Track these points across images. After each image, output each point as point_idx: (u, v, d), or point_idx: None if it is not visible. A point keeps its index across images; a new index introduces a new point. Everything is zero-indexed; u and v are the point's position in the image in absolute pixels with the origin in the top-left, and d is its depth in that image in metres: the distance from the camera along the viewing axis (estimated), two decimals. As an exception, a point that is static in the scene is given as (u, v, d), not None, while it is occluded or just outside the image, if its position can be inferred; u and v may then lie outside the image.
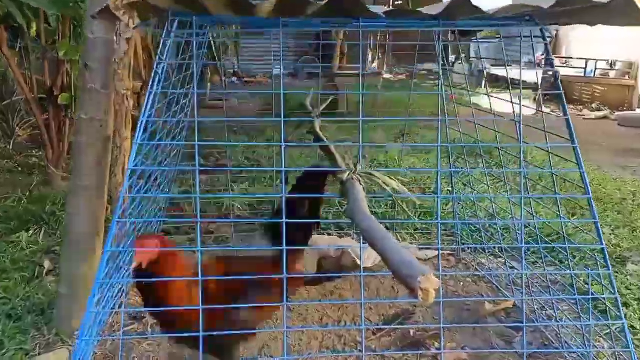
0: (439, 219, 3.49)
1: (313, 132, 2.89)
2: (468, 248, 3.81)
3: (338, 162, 2.08)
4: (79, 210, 2.58)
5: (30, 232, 3.77)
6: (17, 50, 5.57)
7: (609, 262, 2.19)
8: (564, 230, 2.68)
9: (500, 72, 10.17)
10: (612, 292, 2.18)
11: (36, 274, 3.23)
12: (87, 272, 2.64)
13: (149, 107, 1.94)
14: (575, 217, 4.20)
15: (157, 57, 1.81)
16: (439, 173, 3.34)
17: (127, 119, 2.49)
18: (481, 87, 9.59)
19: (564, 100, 2.29)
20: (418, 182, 4.83)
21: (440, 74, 2.35)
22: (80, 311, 2.63)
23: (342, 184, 1.86)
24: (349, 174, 1.84)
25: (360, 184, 1.82)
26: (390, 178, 1.89)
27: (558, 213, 2.55)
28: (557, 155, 2.51)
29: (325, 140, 2.69)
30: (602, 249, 2.18)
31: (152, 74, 1.82)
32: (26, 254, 3.47)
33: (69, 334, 2.64)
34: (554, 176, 2.49)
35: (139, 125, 1.90)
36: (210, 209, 4.34)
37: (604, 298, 2.62)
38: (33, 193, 4.53)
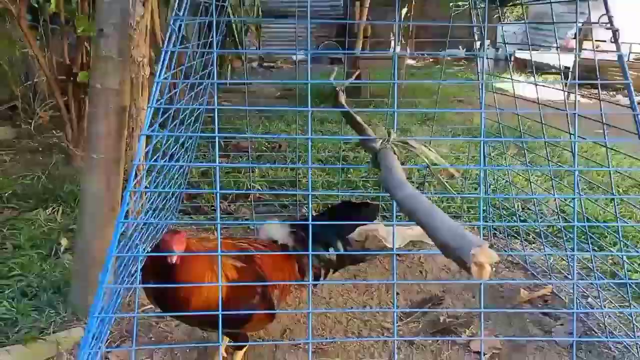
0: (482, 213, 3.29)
1: (339, 104, 2.73)
2: (500, 233, 3.62)
3: (368, 133, 1.91)
4: (94, 184, 2.46)
5: (48, 210, 3.70)
6: (37, 30, 5.51)
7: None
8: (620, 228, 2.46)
9: (528, 56, 9.83)
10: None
11: (53, 252, 3.15)
12: (103, 248, 2.53)
13: (164, 68, 1.80)
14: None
15: (174, 12, 1.66)
16: (482, 170, 3.14)
17: (144, 88, 2.35)
18: (508, 72, 9.29)
19: (632, 90, 2.07)
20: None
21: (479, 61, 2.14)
22: (94, 288, 2.53)
23: (374, 154, 1.69)
24: (382, 142, 1.68)
25: (395, 154, 1.65)
26: (428, 148, 1.71)
27: (615, 214, 2.37)
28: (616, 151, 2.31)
29: (351, 112, 2.52)
30: None
31: (168, 32, 1.68)
32: (43, 231, 3.39)
33: (85, 312, 2.53)
34: (611, 173, 2.32)
35: (154, 88, 1.76)
36: (230, 188, 4.22)
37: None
38: (52, 172, 4.47)
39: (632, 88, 2.07)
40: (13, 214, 3.64)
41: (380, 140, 1.68)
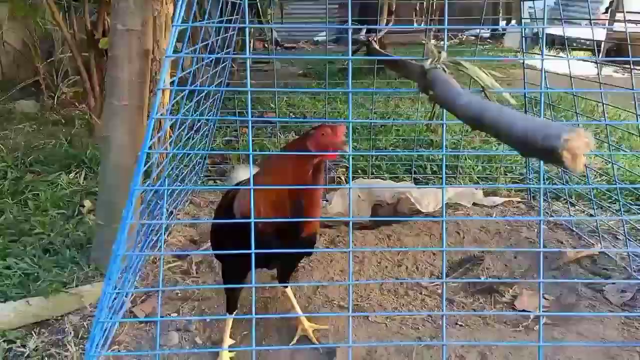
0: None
1: (373, 50, 2.57)
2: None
3: (410, 63, 1.75)
4: (117, 133, 2.35)
5: (71, 175, 3.62)
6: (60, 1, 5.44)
7: None
8: None
9: (557, 32, 9.46)
10: None
11: (76, 213, 3.07)
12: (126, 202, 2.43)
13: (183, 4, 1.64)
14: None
15: None
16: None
17: (167, 29, 2.21)
18: (536, 48, 8.98)
19: None
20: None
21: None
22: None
23: (422, 77, 1.52)
24: (432, 62, 1.51)
25: (446, 74, 1.49)
26: (482, 71, 1.54)
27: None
28: None
29: (388, 54, 2.36)
30: None
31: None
32: (66, 193, 3.32)
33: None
34: None
35: (178, 6, 1.59)
36: (255, 157, 4.09)
37: None
38: (74, 142, 4.39)
39: None
40: (35, 179, 3.58)
41: (430, 60, 1.51)
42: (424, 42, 3.84)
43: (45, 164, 3.80)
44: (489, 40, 13.34)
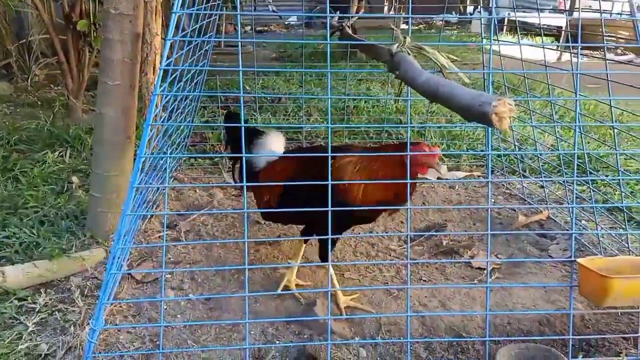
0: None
1: (347, 35, 2.81)
2: (498, 170, 3.76)
3: (379, 47, 2.00)
4: (110, 110, 2.53)
5: (56, 153, 3.76)
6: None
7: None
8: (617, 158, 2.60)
9: (520, 18, 9.88)
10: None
11: (65, 189, 3.22)
12: (119, 175, 2.62)
13: (172, 29, 1.83)
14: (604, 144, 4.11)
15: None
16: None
17: (157, 13, 2.39)
18: (499, 35, 9.36)
19: None
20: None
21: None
22: (113, 213, 2.63)
23: (389, 59, 1.78)
24: (398, 46, 1.76)
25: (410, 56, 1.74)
26: (441, 54, 1.80)
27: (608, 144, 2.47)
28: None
29: (360, 39, 2.61)
30: None
31: None
32: (54, 170, 3.46)
33: (104, 235, 2.64)
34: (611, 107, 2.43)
35: (171, 21, 1.80)
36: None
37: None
38: (55, 122, 4.49)
39: None
40: (21, 157, 3.70)
41: (397, 44, 1.77)
42: (392, 27, 4.10)
43: (30, 144, 3.91)
44: (457, 25, 13.71)
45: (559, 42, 9.57)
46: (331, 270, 2.19)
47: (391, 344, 2.04)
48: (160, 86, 1.89)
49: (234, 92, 5.30)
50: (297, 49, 7.61)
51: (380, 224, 3.02)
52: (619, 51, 10.10)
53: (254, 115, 4.61)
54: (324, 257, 2.25)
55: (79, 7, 4.58)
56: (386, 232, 2.93)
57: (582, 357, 1.94)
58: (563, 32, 9.62)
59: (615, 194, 3.25)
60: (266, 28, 13.28)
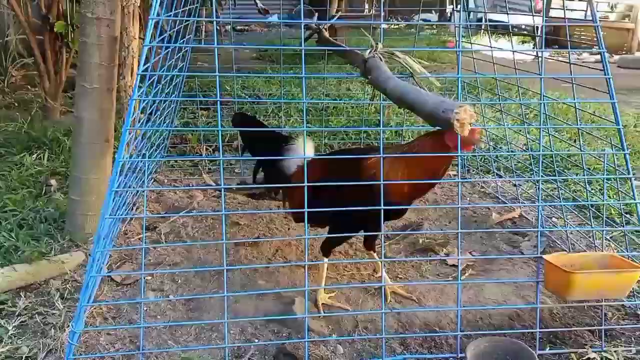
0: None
1: (324, 39, 2.86)
2: (473, 169, 3.85)
3: (354, 52, 2.06)
4: (88, 113, 2.54)
5: (34, 156, 3.74)
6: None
7: (630, 169, 2.19)
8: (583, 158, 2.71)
9: (498, 19, 10.06)
10: (632, 197, 2.19)
11: (44, 192, 3.22)
12: (98, 178, 2.64)
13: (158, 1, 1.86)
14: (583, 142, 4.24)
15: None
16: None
17: (134, 17, 2.41)
18: (480, 35, 9.53)
19: (606, 58, 2.21)
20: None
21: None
22: (92, 216, 2.64)
23: (363, 65, 1.84)
24: (370, 52, 1.82)
25: (382, 62, 1.80)
26: (412, 59, 1.86)
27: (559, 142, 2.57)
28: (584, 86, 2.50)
29: (338, 44, 2.66)
30: (624, 154, 2.18)
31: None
32: (31, 173, 3.45)
33: (83, 238, 2.65)
34: (577, 109, 2.51)
35: (149, 25, 1.83)
36: (214, 139, 4.31)
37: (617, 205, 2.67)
38: (33, 124, 4.46)
39: (606, 56, 2.21)
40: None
41: (369, 51, 1.82)
42: (374, 27, 4.17)
43: (7, 146, 3.89)
44: (436, 25, 13.86)
45: (535, 42, 9.77)
46: (325, 267, 2.31)
47: (367, 340, 2.10)
48: (138, 91, 1.93)
49: (213, 96, 5.31)
50: (276, 50, 7.63)
51: (358, 224, 3.08)
52: (593, 50, 10.32)
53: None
54: (326, 251, 2.33)
55: (56, 8, 4.56)
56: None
57: (550, 349, 2.03)
58: (541, 31, 9.79)
59: (584, 192, 3.36)
60: (247, 27, 13.27)
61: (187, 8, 2.66)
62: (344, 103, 5.06)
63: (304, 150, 2.29)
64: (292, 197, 2.41)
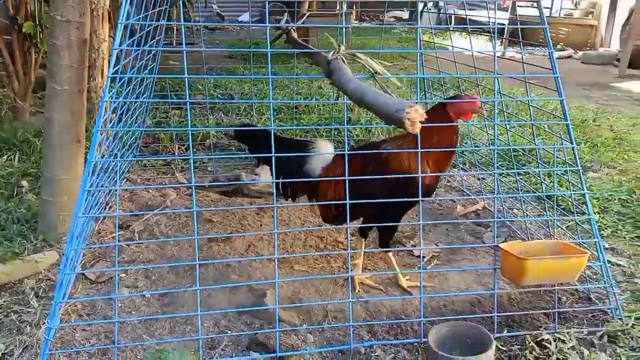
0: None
1: (291, 39, 2.94)
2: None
3: (319, 54, 2.15)
4: (58, 114, 2.57)
5: (4, 157, 3.73)
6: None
7: (579, 162, 2.33)
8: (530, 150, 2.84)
9: (467, 15, 10.29)
10: (581, 188, 2.33)
11: (15, 193, 3.22)
12: (70, 178, 2.67)
13: (127, 3, 1.91)
14: (541, 138, 4.42)
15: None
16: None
17: (104, 19, 2.45)
18: (449, 32, 9.74)
19: (554, 57, 2.34)
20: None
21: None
22: (65, 216, 2.68)
23: (326, 66, 1.92)
24: (333, 54, 1.91)
25: (344, 63, 1.89)
26: (374, 60, 1.96)
27: (521, 136, 2.71)
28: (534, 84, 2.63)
29: (305, 44, 2.75)
30: (573, 148, 2.31)
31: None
32: (2, 175, 3.44)
33: (56, 238, 2.68)
34: (529, 105, 2.65)
35: (118, 28, 1.88)
36: (187, 137, 4.34)
37: (568, 196, 2.82)
38: (4, 126, 4.42)
39: (554, 55, 2.34)
40: (-33, 162, 3.65)
41: (332, 52, 1.91)
42: (330, 39, 4.26)
43: (-24, 148, 3.87)
44: (408, 22, 14.04)
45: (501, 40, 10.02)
46: (390, 255, 2.48)
47: (336, 329, 2.19)
48: (109, 92, 1.98)
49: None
50: (249, 47, 7.66)
51: (329, 218, 3.18)
52: (558, 47, 10.64)
53: (207, 115, 4.68)
54: (386, 244, 2.46)
55: (24, 8, 4.52)
56: (333, 225, 3.09)
57: (507, 332, 2.16)
58: (506, 29, 10.07)
59: (543, 184, 3.52)
60: (219, 26, 13.22)
61: (157, 10, 2.71)
62: (308, 103, 5.14)
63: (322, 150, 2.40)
64: (325, 196, 2.40)
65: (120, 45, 1.85)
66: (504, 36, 9.66)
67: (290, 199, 2.49)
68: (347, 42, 7.88)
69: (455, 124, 2.23)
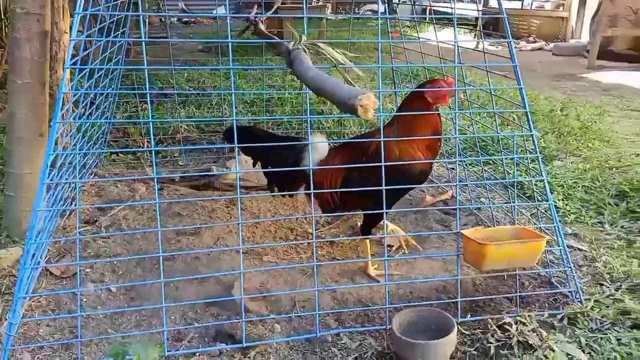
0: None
1: (258, 31, 2.93)
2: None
3: (281, 44, 2.15)
4: (20, 108, 2.52)
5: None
6: None
7: (538, 148, 2.38)
8: (500, 140, 2.91)
9: (442, 8, 10.39)
10: (541, 176, 2.38)
11: (-22, 189, 3.15)
12: (32, 173, 2.62)
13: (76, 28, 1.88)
14: (509, 127, 4.49)
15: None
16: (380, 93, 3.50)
17: (65, 11, 2.41)
18: (425, 24, 9.84)
19: (512, 46, 2.36)
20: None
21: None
22: (29, 212, 2.63)
23: (288, 56, 1.93)
24: (294, 44, 1.91)
25: (306, 53, 1.90)
26: (335, 50, 1.97)
27: (489, 126, 2.75)
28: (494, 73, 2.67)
29: (271, 36, 2.75)
30: (532, 135, 2.36)
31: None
32: (-36, 171, 3.36)
33: (20, 234, 2.64)
34: (492, 94, 2.69)
35: (74, 22, 1.85)
36: (157, 131, 4.30)
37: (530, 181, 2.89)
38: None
39: (512, 46, 2.36)
40: None
41: (293, 42, 1.92)
42: (321, 17, 4.27)
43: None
44: (382, 14, 14.06)
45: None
46: (368, 242, 2.54)
47: (304, 318, 2.21)
48: (69, 84, 1.95)
49: (156, 89, 5.29)
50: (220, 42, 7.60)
51: (299, 210, 3.19)
52: (530, 39, 10.81)
53: (179, 110, 4.64)
54: (368, 231, 2.55)
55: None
56: (302, 215, 3.11)
57: (470, 317, 2.20)
58: (479, 22, 10.18)
59: (509, 173, 3.59)
60: (193, 20, 13.09)
61: (120, 1, 2.67)
62: (260, 92, 5.15)
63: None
64: (322, 187, 2.45)
65: (77, 36, 1.83)
66: (480, 27, 9.79)
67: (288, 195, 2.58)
68: (322, 35, 7.91)
69: (433, 112, 2.30)
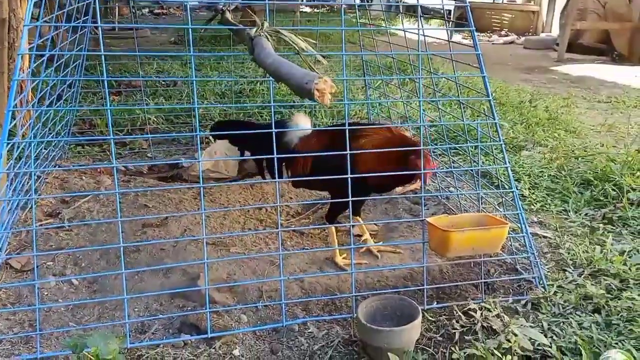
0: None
1: (224, 20, 2.89)
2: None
3: (243, 31, 2.12)
4: (-23, 98, 2.44)
5: None
6: None
7: (501, 136, 2.41)
8: (465, 128, 2.94)
9: (413, 2, 10.44)
10: (504, 164, 2.41)
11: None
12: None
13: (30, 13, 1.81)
14: (479, 117, 4.54)
15: None
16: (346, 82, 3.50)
17: (22, -3, 2.34)
18: (398, 18, 9.88)
19: (475, 35, 2.37)
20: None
21: None
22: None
23: (250, 43, 1.90)
24: (256, 31, 1.89)
25: (268, 41, 1.87)
26: (298, 37, 1.95)
27: (460, 117, 2.78)
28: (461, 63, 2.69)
29: (235, 24, 2.71)
30: (495, 123, 2.38)
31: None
32: None
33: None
34: (457, 84, 2.71)
35: (27, 8, 1.79)
36: (125, 123, 4.22)
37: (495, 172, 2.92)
38: None
39: (475, 34, 2.37)
40: None
41: (255, 29, 1.89)
42: (293, 10, 4.25)
43: None
44: (359, 8, 14.06)
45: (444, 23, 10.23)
46: (333, 230, 2.59)
47: (271, 308, 2.20)
48: (23, 71, 1.89)
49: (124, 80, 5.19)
50: (194, 32, 7.51)
51: (270, 200, 3.17)
52: (502, 33, 10.94)
53: (147, 101, 4.56)
54: (333, 218, 2.60)
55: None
56: (270, 204, 3.09)
57: (436, 304, 2.22)
58: (453, 13, 10.30)
59: (476, 162, 3.63)
60: (165, 11, 12.88)
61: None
62: (263, 81, 5.11)
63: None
64: (296, 166, 2.60)
65: (32, 22, 1.77)
66: (453, 20, 9.87)
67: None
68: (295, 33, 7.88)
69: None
